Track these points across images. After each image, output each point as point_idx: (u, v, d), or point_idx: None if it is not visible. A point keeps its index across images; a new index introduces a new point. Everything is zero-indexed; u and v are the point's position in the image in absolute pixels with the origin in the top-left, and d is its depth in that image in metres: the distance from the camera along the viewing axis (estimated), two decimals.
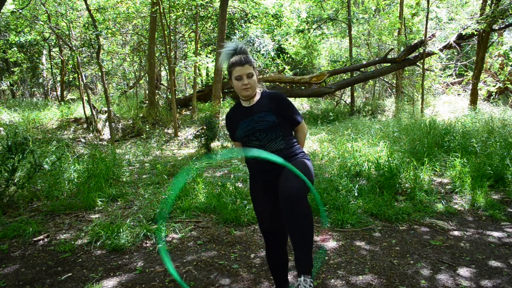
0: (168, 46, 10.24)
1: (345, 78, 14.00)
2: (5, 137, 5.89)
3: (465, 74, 13.52)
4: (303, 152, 2.32)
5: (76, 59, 10.15)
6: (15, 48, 14.30)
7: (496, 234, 3.54)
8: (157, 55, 12.55)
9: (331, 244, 3.38)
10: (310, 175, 2.12)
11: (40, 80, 16.63)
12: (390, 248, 3.29)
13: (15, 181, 4.41)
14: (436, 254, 3.16)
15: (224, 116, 10.78)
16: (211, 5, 12.03)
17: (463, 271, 2.86)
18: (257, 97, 2.32)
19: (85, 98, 10.46)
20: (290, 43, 15.96)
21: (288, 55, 15.59)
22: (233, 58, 2.22)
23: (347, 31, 13.96)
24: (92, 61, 14.13)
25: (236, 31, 12.93)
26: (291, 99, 14.73)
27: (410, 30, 13.70)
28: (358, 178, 5.13)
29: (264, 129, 2.20)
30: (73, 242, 3.41)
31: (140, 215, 3.97)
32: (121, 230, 3.53)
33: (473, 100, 10.43)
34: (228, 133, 2.45)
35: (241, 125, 2.27)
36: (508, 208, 4.15)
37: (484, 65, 11.49)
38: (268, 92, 2.37)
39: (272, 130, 2.22)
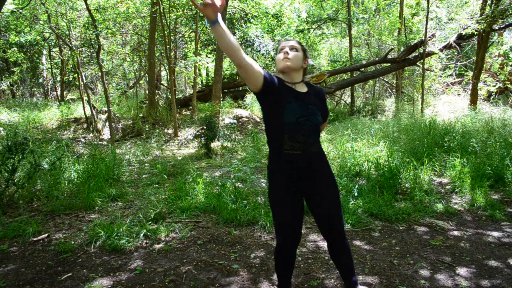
0: (168, 46, 10.25)
1: (345, 78, 14.01)
2: (5, 137, 5.90)
3: (465, 74, 13.52)
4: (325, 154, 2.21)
5: (76, 59, 10.15)
6: (15, 48, 14.30)
7: (496, 234, 3.54)
8: (157, 55, 12.56)
9: None
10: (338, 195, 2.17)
11: (40, 80, 16.64)
12: (390, 248, 3.29)
13: (15, 181, 4.41)
14: (436, 254, 3.16)
15: (224, 116, 10.75)
16: None
17: (463, 271, 2.86)
18: (304, 87, 2.12)
19: (85, 98, 10.46)
20: None
21: None
22: None
23: (347, 31, 13.97)
24: (92, 61, 14.14)
25: (236, 31, 12.93)
26: None
27: (410, 30, 13.71)
28: (358, 178, 5.13)
29: (315, 124, 2.03)
30: (73, 242, 3.41)
31: (140, 215, 3.97)
32: (121, 230, 3.53)
33: (473, 100, 10.44)
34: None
35: (294, 104, 1.99)
36: (508, 208, 4.15)
37: (484, 65, 11.49)
38: (312, 85, 2.18)
39: (317, 129, 2.08)
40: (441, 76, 13.88)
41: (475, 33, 10.09)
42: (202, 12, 1.69)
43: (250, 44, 12.95)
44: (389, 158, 5.10)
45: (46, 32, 12.46)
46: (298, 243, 2.16)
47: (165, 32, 10.07)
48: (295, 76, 2.07)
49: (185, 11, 11.64)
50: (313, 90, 2.13)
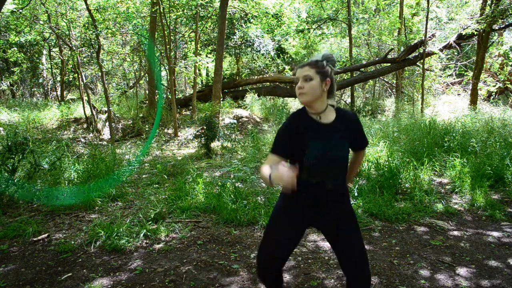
0: (168, 46, 10.25)
1: (345, 78, 14.01)
2: (5, 137, 5.90)
3: (465, 74, 13.53)
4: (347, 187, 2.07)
5: (76, 59, 10.15)
6: (15, 48, 14.31)
7: (495, 234, 3.54)
8: (157, 55, 12.55)
9: None
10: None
11: (40, 80, 16.65)
12: (390, 248, 3.29)
13: (15, 181, 4.41)
14: (436, 254, 3.16)
15: (224, 116, 10.72)
16: (211, 5, 12.03)
17: (463, 271, 2.86)
18: (331, 114, 1.93)
19: (85, 98, 10.46)
20: (290, 43, 15.96)
21: (288, 55, 15.61)
22: None
23: (347, 31, 13.97)
24: (92, 61, 14.14)
25: (236, 31, 12.93)
26: (290, 99, 14.80)
27: (410, 30, 13.71)
28: (358, 178, 5.13)
29: (339, 161, 1.88)
30: (73, 242, 3.41)
31: (140, 215, 3.97)
32: (121, 230, 3.53)
33: (473, 100, 10.43)
34: (276, 141, 1.93)
35: (315, 143, 1.84)
36: (508, 208, 4.15)
37: (484, 65, 11.49)
38: (342, 110, 1.98)
39: (343, 163, 1.91)
40: (441, 76, 13.88)
41: (475, 33, 10.08)
42: (275, 181, 1.63)
43: (250, 44, 12.94)
44: (389, 158, 5.10)
45: (46, 32, 12.46)
46: (282, 268, 2.07)
47: (165, 32, 10.07)
48: (318, 105, 1.89)
49: (185, 11, 11.64)
50: (341, 117, 1.94)
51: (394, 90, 15.04)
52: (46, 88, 16.83)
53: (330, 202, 1.91)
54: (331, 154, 1.84)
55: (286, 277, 2.82)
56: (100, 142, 9.21)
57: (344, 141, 1.89)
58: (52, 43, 14.51)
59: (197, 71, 13.84)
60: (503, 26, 10.68)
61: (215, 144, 7.82)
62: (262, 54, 13.41)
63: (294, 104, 15.63)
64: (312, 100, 1.87)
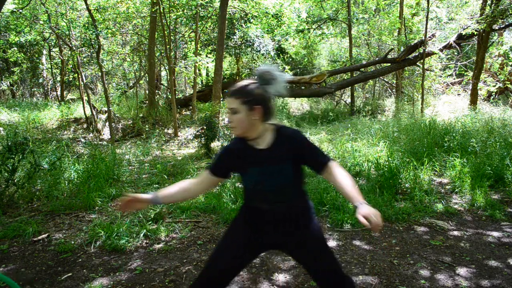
0: (168, 46, 10.25)
1: (345, 78, 14.02)
2: (5, 137, 5.90)
3: (465, 74, 13.52)
4: (311, 206, 1.90)
5: (76, 59, 10.15)
6: (15, 48, 14.30)
7: (495, 234, 3.54)
8: (157, 55, 12.56)
9: (331, 244, 3.38)
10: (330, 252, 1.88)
11: (40, 80, 16.64)
12: (390, 248, 3.29)
13: (15, 181, 4.41)
14: (436, 254, 3.16)
15: (224, 116, 10.71)
16: (211, 5, 12.03)
17: (463, 271, 2.86)
18: (268, 137, 1.78)
19: (85, 98, 10.46)
20: (290, 43, 15.96)
21: (288, 55, 15.61)
22: None
23: (347, 31, 13.97)
24: (92, 61, 14.14)
25: (236, 31, 12.93)
26: (290, 99, 14.80)
27: (410, 30, 13.70)
28: (358, 178, 5.13)
29: (278, 186, 1.76)
30: (73, 242, 3.41)
31: (140, 215, 3.97)
32: (121, 230, 3.53)
33: (473, 100, 10.43)
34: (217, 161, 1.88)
35: (250, 171, 1.78)
36: (508, 208, 4.15)
37: (484, 65, 11.49)
38: (284, 130, 1.81)
39: (288, 188, 1.79)
40: (441, 76, 13.88)
41: (475, 33, 10.08)
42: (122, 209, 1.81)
43: (250, 44, 12.95)
44: (389, 158, 5.10)
45: (46, 32, 12.47)
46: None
47: (165, 32, 10.07)
48: (252, 134, 1.76)
49: (185, 11, 11.64)
50: (281, 138, 1.78)
51: (394, 90, 15.03)
52: (46, 88, 16.82)
53: (270, 226, 1.82)
54: (269, 180, 1.75)
55: (286, 277, 2.82)
56: (100, 142, 9.21)
57: (282, 166, 1.75)
58: (52, 43, 14.51)
59: (197, 71, 13.84)
60: (503, 26, 10.67)
61: (215, 144, 7.82)
62: (262, 54, 13.41)
63: (294, 104, 15.63)
64: (244, 132, 1.75)
